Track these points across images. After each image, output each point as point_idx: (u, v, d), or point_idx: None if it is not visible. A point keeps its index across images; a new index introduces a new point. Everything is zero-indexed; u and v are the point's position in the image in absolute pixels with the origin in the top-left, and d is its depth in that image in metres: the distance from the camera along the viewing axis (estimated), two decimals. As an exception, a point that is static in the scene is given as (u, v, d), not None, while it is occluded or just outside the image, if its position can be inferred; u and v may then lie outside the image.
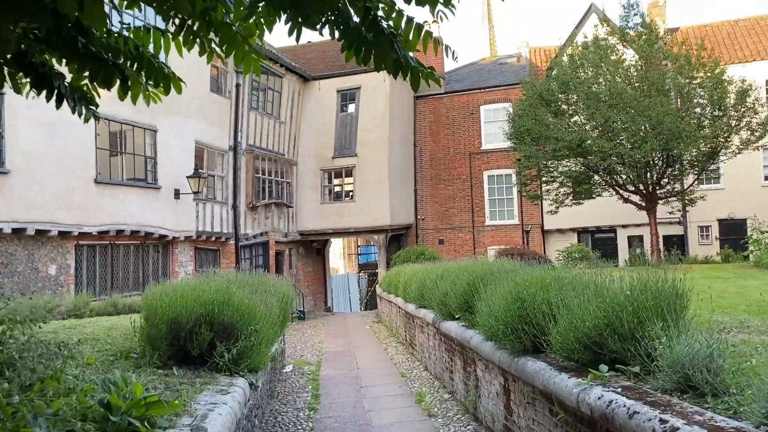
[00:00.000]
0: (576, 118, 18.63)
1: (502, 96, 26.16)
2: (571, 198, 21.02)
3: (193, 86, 17.48)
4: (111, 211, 14.39)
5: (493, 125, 26.23)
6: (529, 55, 28.80)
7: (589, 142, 16.44)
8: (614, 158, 15.82)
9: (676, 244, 24.39)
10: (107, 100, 14.27)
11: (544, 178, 19.86)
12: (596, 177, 19.45)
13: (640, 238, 25.46)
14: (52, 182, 12.89)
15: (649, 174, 17.16)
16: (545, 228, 25.57)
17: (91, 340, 6.55)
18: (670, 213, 20.76)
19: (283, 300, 8.41)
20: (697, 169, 17.62)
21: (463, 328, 7.36)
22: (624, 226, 25.19)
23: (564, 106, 19.09)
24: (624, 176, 17.01)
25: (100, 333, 7.18)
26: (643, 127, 15.46)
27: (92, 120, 12.03)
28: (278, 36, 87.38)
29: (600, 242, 25.65)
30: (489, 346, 5.85)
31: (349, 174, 24.05)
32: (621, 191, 18.42)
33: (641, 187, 17.66)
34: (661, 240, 25.36)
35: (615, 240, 25.59)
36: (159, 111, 15.83)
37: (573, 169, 18.30)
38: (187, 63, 15.76)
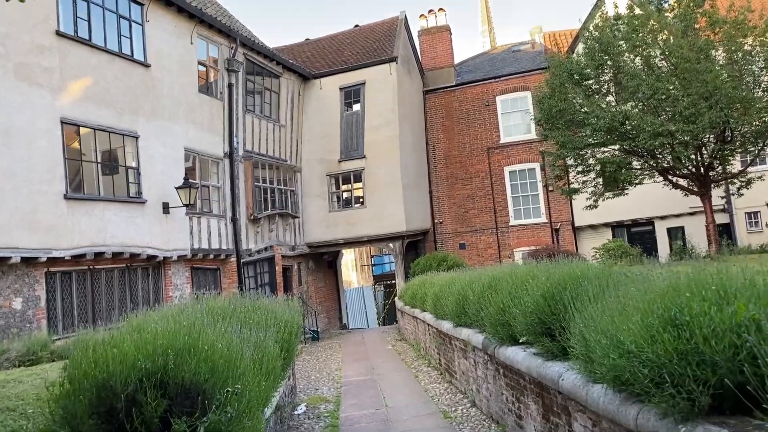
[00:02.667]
0: (610, 98, 16.51)
1: (520, 84, 24.07)
2: (611, 188, 18.85)
3: (178, 86, 15.56)
4: (87, 231, 12.37)
5: (512, 116, 24.15)
6: (544, 40, 26.72)
7: (633, 121, 14.28)
8: (664, 137, 13.66)
9: (723, 234, 22.16)
10: (76, 100, 12.33)
11: (579, 168, 17.69)
12: (635, 163, 17.28)
13: (681, 229, 23.24)
14: (11, 200, 10.89)
15: (701, 153, 14.96)
16: (576, 225, 23.39)
17: (4, 411, 4.48)
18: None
19: (286, 330, 6.32)
20: (754, 146, 15.39)
21: (537, 358, 5.24)
22: (662, 218, 23.01)
23: (596, 86, 16.94)
24: (673, 158, 14.79)
25: (30, 394, 5.11)
26: (698, 98, 13.29)
27: (59, 126, 9.99)
28: (274, 35, 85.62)
29: (637, 236, 23.43)
30: (605, 396, 3.71)
31: (357, 178, 21.98)
32: (669, 176, 16.22)
33: (692, 170, 15.46)
34: (703, 231, 23.23)
35: (653, 233, 23.36)
36: (139, 114, 13.93)
37: (614, 154, 16.10)
38: (170, 60, 13.74)
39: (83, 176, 12.74)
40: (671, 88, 13.38)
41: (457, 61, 26.69)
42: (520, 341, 6.04)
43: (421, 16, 25.89)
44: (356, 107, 22.11)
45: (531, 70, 24.03)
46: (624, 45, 15.41)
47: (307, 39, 26.20)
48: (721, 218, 23.10)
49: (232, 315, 5.44)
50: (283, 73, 21.00)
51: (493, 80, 24.40)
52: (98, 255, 12.66)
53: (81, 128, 12.55)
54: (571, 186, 18.28)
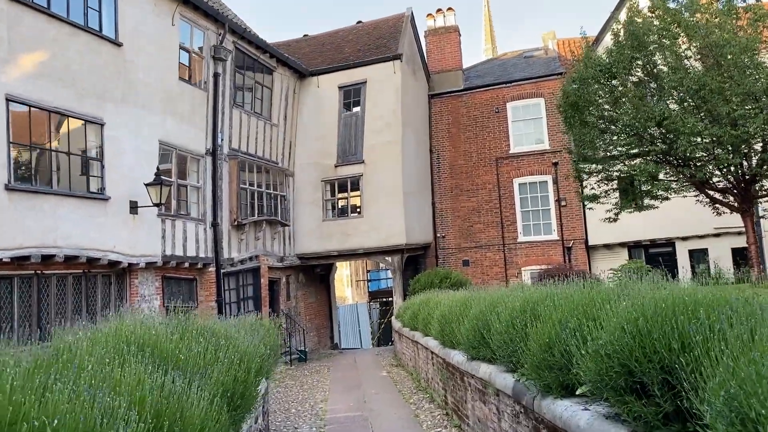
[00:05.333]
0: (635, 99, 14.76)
1: (532, 90, 22.35)
2: (627, 204, 17.05)
3: (155, 71, 13.77)
4: (33, 230, 10.49)
5: (523, 125, 22.40)
6: (557, 47, 25.06)
7: (672, 122, 12.48)
8: (706, 141, 11.85)
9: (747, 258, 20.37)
10: (28, 76, 10.51)
11: (599, 177, 15.91)
12: (662, 175, 15.46)
13: (704, 252, 21.41)
14: (-65, 187, 9.05)
15: (745, 163, 13.16)
16: (590, 243, 21.54)
17: None
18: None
19: (241, 368, 4.42)
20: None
21: (619, 427, 3.38)
22: (684, 239, 21.18)
23: (622, 87, 15.18)
24: (717, 166, 12.96)
25: None
26: (747, 97, 11.53)
27: (3, 102, 8.11)
28: (270, 30, 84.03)
29: (655, 258, 21.55)
30: None
31: (355, 185, 20.15)
32: (706, 189, 14.40)
33: (733, 182, 13.66)
34: (729, 253, 21.39)
35: (673, 255, 21.49)
36: (105, 98, 12.13)
37: (644, 161, 14.28)
38: (146, 41, 11.95)
39: (33, 165, 10.88)
40: (724, 84, 11.59)
41: (465, 65, 24.99)
42: (577, 392, 4.20)
43: (428, 15, 24.24)
44: (356, 108, 20.35)
45: (545, 76, 22.35)
46: (661, 38, 13.67)
47: (305, 35, 24.52)
48: (741, 241, 21.36)
49: (157, 345, 3.62)
50: (277, 67, 19.25)
51: (504, 85, 22.68)
52: (47, 258, 10.77)
53: (32, 109, 10.69)
54: (592, 192, 16.42)
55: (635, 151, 15.66)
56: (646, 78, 15.25)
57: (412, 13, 22.08)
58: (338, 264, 25.18)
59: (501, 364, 5.96)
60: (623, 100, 14.96)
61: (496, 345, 5.94)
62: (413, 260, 21.90)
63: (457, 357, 7.64)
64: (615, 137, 15.63)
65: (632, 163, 14.68)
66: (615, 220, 17.01)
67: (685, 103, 12.76)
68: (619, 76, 15.10)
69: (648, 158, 14.23)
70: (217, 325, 5.19)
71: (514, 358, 5.47)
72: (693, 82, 11.77)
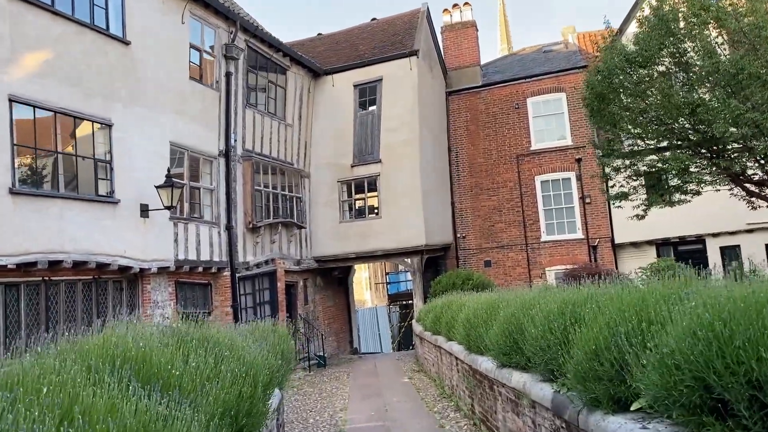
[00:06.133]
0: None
1: (553, 85, 21.68)
2: (656, 199, 16.31)
3: (165, 70, 13.39)
4: (39, 235, 10.11)
5: (544, 120, 21.74)
6: (578, 41, 24.35)
7: (707, 107, 11.78)
8: (747, 126, 11.13)
9: (774, 254, 19.53)
10: (32, 76, 10.15)
11: (628, 171, 15.23)
12: (693, 168, 14.74)
13: (736, 248, 20.57)
14: (-64, 192, 8.69)
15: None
16: (616, 242, 20.80)
17: None
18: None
19: (246, 382, 3.91)
20: None
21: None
22: (714, 235, 20.36)
23: (647, 78, 14.49)
24: (761, 153, 12.19)
25: None
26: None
27: (6, 103, 7.74)
28: (283, 31, 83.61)
29: (685, 256, 20.70)
30: None
31: (372, 185, 19.63)
32: (741, 181, 13.65)
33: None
34: (763, 250, 20.53)
35: (704, 252, 20.66)
36: (114, 99, 11.75)
37: (676, 151, 13.59)
38: (155, 40, 11.55)
39: (38, 167, 10.52)
40: (762, 69, 10.88)
41: (483, 61, 24.37)
42: (632, 408, 3.63)
43: (444, 11, 23.68)
44: (372, 106, 19.84)
45: (566, 70, 21.67)
46: (689, 24, 12.97)
47: (319, 34, 24.08)
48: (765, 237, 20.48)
49: (146, 360, 3.11)
50: (291, 66, 18.81)
51: (523, 81, 22.03)
52: (54, 264, 10.38)
53: (37, 109, 10.32)
54: (621, 190, 15.71)
55: (665, 143, 15.00)
56: (674, 67, 14.58)
57: (428, 8, 21.53)
58: (356, 267, 24.70)
59: (536, 372, 5.39)
60: (650, 90, 14.31)
61: (530, 351, 5.38)
62: (433, 262, 21.32)
63: (486, 364, 7.07)
64: (642, 129, 14.97)
65: (663, 155, 13.98)
66: (643, 216, 16.31)
67: (718, 92, 12.05)
68: (646, 66, 14.44)
69: (679, 150, 13.54)
70: (221, 333, 4.69)
71: (553, 365, 4.90)
72: (731, 66, 11.07)
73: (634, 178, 15.52)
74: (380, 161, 19.36)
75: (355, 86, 19.90)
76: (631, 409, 3.63)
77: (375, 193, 19.64)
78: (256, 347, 4.91)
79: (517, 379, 5.78)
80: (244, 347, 4.52)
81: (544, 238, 21.24)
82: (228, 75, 15.56)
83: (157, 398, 2.63)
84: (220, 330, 4.95)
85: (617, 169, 15.35)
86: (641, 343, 3.47)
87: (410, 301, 26.23)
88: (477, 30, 23.25)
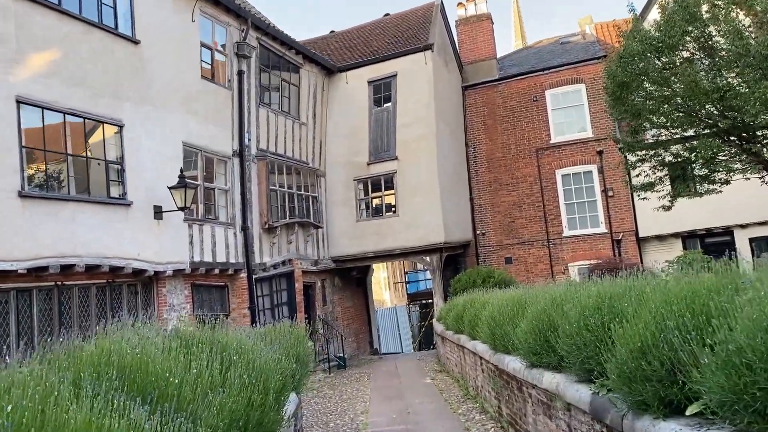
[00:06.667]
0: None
1: (572, 76, 21.16)
2: (683, 190, 15.80)
3: (175, 69, 13.15)
4: (50, 239, 9.90)
5: (564, 113, 21.22)
6: (595, 31, 23.78)
7: (738, 90, 11.27)
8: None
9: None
10: (39, 76, 9.93)
11: (653, 161, 14.74)
12: (722, 156, 14.21)
13: (766, 240, 19.92)
14: (-57, 196, 8.50)
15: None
16: (640, 235, 20.22)
17: None
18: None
19: (256, 388, 3.57)
20: None
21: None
22: (743, 226, 19.71)
23: (669, 65, 14.00)
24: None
25: None
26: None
27: (13, 105, 7.52)
28: (295, 29, 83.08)
29: (712, 248, 20.06)
30: None
31: (389, 182, 19.27)
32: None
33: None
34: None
35: (732, 244, 19.96)
36: (123, 99, 11.52)
37: (704, 139, 13.09)
38: (165, 39, 11.28)
39: (48, 170, 10.31)
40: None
41: (499, 55, 23.89)
42: (688, 412, 3.24)
43: (459, 5, 23.22)
44: (387, 104, 19.48)
45: (585, 60, 21.13)
46: (714, 8, 12.45)
47: (332, 31, 23.79)
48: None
49: (141, 367, 2.79)
50: (304, 64, 18.52)
51: (541, 73, 21.52)
52: (66, 268, 10.16)
53: (45, 111, 10.11)
54: (646, 179, 15.20)
55: (691, 132, 14.49)
56: (699, 52, 14.06)
57: (441, 2, 21.14)
58: (375, 266, 24.37)
59: (571, 372, 5.01)
60: (674, 78, 13.81)
61: (564, 350, 4.99)
62: (452, 259, 20.91)
63: (513, 364, 6.68)
64: (666, 118, 14.47)
65: (691, 144, 13.47)
66: (670, 208, 15.79)
67: (747, 75, 11.52)
68: (670, 52, 13.94)
69: (706, 138, 13.02)
70: (230, 336, 4.37)
71: (590, 365, 4.51)
72: (763, 47, 10.54)
73: (659, 168, 15.01)
74: (396, 158, 19.00)
75: (369, 83, 19.57)
76: (687, 413, 3.24)
77: (392, 191, 19.29)
78: (267, 350, 4.58)
79: (549, 379, 5.40)
80: (254, 351, 4.19)
81: (566, 233, 20.73)
82: (240, 73, 15.30)
83: (146, 412, 2.31)
84: (229, 332, 4.63)
85: (642, 160, 14.86)
86: (698, 340, 3.08)
87: (430, 300, 25.84)
88: (492, 23, 22.78)
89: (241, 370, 3.56)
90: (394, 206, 19.28)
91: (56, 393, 2.04)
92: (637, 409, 3.63)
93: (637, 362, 3.54)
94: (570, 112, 21.10)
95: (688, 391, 3.24)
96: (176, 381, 2.85)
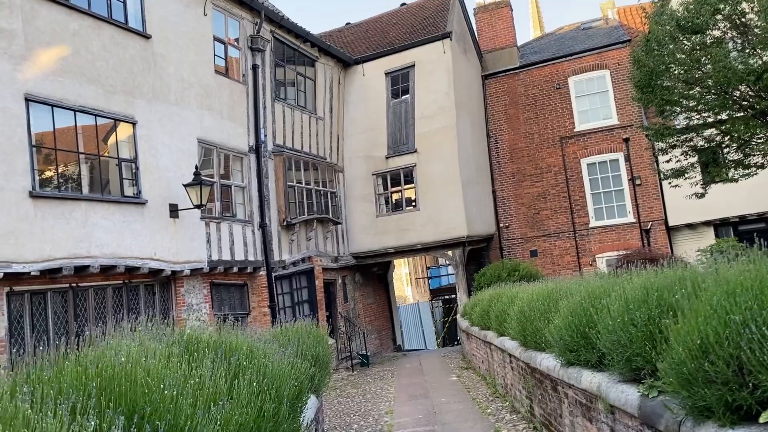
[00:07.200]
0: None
1: (596, 62, 20.53)
2: (716, 174, 15.19)
3: (188, 64, 12.87)
4: (63, 239, 9.67)
5: (588, 100, 20.60)
6: (618, 16, 23.09)
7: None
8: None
9: None
10: (48, 74, 9.68)
11: (685, 147, 14.17)
12: (756, 138, 13.58)
13: (803, 226, 19.16)
14: (-48, 197, 8.29)
15: None
16: (670, 224, 19.56)
17: None
18: None
19: (269, 395, 3.19)
20: None
21: None
22: (779, 212, 18.95)
23: (699, 45, 13.42)
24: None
25: None
26: None
27: (22, 103, 7.28)
28: (309, 22, 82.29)
29: (746, 236, 19.34)
30: None
31: (408, 176, 18.86)
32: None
33: None
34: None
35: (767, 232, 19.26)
36: (136, 95, 11.26)
37: (739, 122, 12.51)
38: (177, 33, 10.97)
39: (59, 169, 10.08)
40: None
41: (519, 42, 23.30)
42: (761, 419, 2.80)
43: (476, -8, 22.69)
44: (405, 95, 19.03)
45: (608, 46, 20.49)
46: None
47: (347, 23, 23.39)
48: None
49: (123, 379, 2.42)
50: (320, 57, 18.16)
51: (564, 59, 20.91)
52: (80, 269, 9.92)
53: (56, 108, 9.88)
54: (678, 165, 14.61)
55: (724, 115, 13.89)
56: (731, 31, 13.44)
57: (459, -11, 20.63)
58: (396, 262, 23.98)
59: (613, 371, 4.56)
60: (704, 59, 13.21)
61: (606, 347, 4.55)
62: (476, 254, 20.43)
63: (547, 362, 6.25)
64: (697, 102, 13.89)
65: (726, 127, 12.87)
66: (703, 195, 15.19)
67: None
68: (700, 32, 13.33)
69: (741, 121, 12.43)
70: (239, 339, 4.00)
71: (637, 363, 4.07)
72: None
73: (691, 153, 14.41)
74: (416, 151, 18.57)
75: (387, 74, 19.15)
76: (760, 421, 2.80)
77: (412, 185, 18.87)
78: (281, 353, 4.21)
79: (589, 379, 4.96)
80: (266, 354, 3.82)
81: (593, 223, 20.13)
82: (255, 68, 14.99)
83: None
84: (239, 334, 4.26)
85: (673, 146, 14.28)
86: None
87: (453, 296, 25.40)
88: (512, 10, 22.19)
89: (250, 376, 3.20)
90: (415, 200, 18.87)
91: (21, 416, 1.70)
92: (698, 415, 3.19)
93: (698, 362, 3.10)
94: (594, 99, 20.47)
95: (761, 395, 2.81)
96: (173, 393, 2.49)
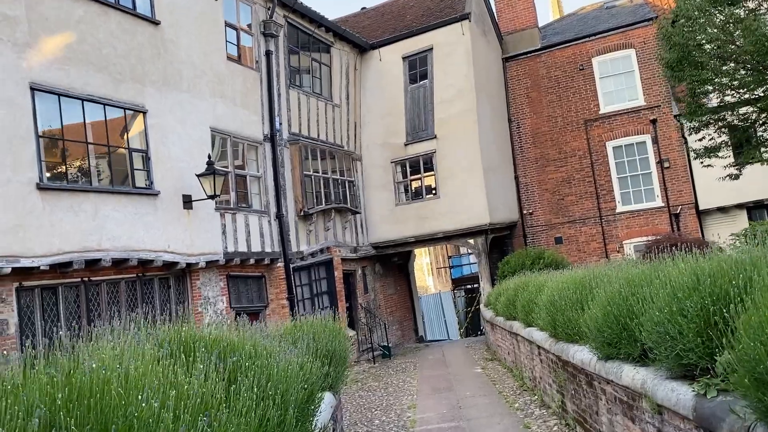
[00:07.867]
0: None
1: (621, 41, 19.79)
2: (751, 154, 14.54)
3: (199, 51, 12.51)
4: (73, 232, 9.39)
5: (613, 81, 19.89)
6: (644, -7, 22.24)
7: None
8: None
9: None
10: (54, 62, 9.35)
11: (718, 125, 13.54)
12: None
13: (844, 208, 18.33)
14: (-44, 190, 8.03)
15: None
16: (700, 208, 18.83)
17: None
18: None
19: (278, 400, 2.79)
20: None
21: None
22: (816, 194, 18.12)
23: (744, 10, 12.84)
24: None
25: None
26: None
27: (27, 92, 6.99)
28: (326, 7, 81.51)
29: (782, 220, 18.62)
30: None
31: (428, 163, 18.37)
32: None
33: None
34: None
35: (805, 214, 18.47)
36: (146, 83, 10.93)
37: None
38: (187, 19, 10.52)
39: (67, 161, 9.78)
40: None
41: (540, 24, 22.59)
42: None
43: (495, -28, 22.00)
44: (423, 80, 18.50)
45: (634, 24, 19.73)
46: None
47: (363, 8, 22.88)
48: None
49: (100, 390, 2.04)
50: (335, 42, 17.71)
51: (587, 39, 20.19)
52: (91, 263, 9.65)
53: (62, 98, 9.57)
54: (711, 143, 13.98)
55: (759, 92, 13.25)
56: (766, 3, 12.79)
57: (477, -31, 19.98)
58: (417, 252, 23.53)
59: (660, 366, 4.09)
60: (738, 33, 12.57)
61: (651, 340, 4.08)
62: (498, 242, 19.90)
63: (581, 355, 5.79)
64: (731, 78, 13.26)
65: (764, 103, 12.22)
66: (737, 176, 14.56)
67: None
68: (732, 4, 12.69)
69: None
70: (242, 336, 3.59)
71: (690, 358, 3.60)
72: None
73: (724, 131, 13.77)
74: (435, 137, 18.07)
75: (404, 58, 18.63)
76: None
77: (432, 172, 18.38)
78: (289, 352, 3.82)
79: (631, 375, 4.50)
80: (272, 354, 3.42)
81: (620, 208, 19.48)
82: (268, 54, 14.60)
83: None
84: (239, 331, 3.87)
85: (706, 124, 13.63)
86: None
87: (475, 285, 24.93)
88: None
89: (251, 380, 2.81)
90: (435, 188, 18.38)
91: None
92: (772, 421, 2.73)
93: (773, 360, 2.64)
94: (619, 80, 19.76)
95: None
96: (155, 404, 2.11)
